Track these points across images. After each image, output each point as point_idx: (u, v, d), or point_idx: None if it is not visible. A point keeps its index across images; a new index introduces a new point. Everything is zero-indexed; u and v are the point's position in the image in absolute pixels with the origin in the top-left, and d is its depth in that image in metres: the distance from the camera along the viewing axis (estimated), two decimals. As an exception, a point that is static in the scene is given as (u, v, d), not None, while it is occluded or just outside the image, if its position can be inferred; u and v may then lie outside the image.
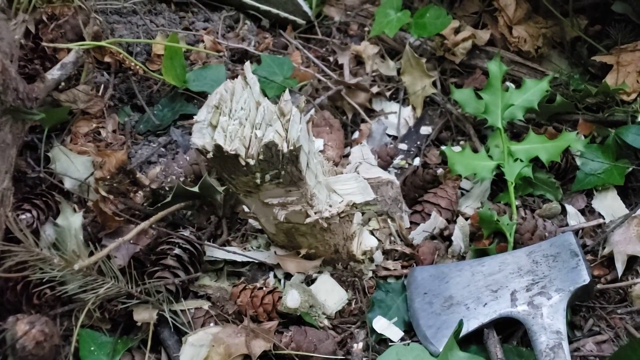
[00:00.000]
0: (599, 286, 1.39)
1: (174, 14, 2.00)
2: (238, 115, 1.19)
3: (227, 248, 1.43)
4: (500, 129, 1.59)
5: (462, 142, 1.71)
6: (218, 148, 1.14)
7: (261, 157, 1.15)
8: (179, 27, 1.95)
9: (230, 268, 1.44)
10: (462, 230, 1.48)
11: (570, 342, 1.31)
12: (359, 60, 1.98)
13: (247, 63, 1.27)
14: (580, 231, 1.52)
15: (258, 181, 1.20)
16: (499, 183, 1.60)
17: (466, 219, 1.52)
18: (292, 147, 1.15)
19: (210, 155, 1.16)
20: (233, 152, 1.14)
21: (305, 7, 2.10)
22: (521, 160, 1.54)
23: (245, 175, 1.20)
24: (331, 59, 2.00)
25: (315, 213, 1.29)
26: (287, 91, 1.22)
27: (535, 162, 1.57)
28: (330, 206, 1.32)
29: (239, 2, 2.09)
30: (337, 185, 1.37)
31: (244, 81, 1.25)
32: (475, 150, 1.62)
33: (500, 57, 1.87)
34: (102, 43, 1.62)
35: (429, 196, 1.53)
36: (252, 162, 1.15)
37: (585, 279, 1.24)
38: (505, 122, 1.62)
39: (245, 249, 1.47)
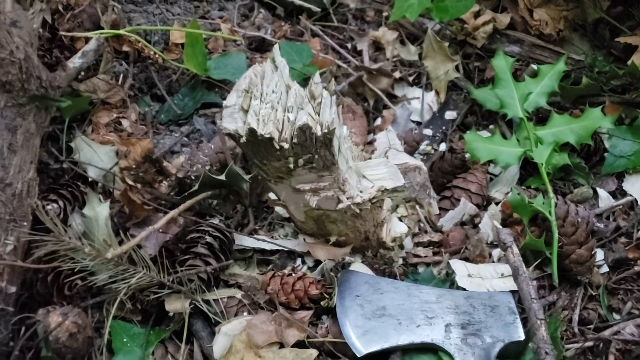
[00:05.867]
0: (636, 268, 1.37)
1: (189, 2, 1.97)
2: (270, 99, 1.16)
3: (257, 236, 1.40)
4: (523, 118, 1.56)
5: (491, 127, 1.68)
6: (252, 132, 1.11)
7: (295, 140, 1.13)
8: (194, 16, 1.92)
9: (259, 256, 1.41)
10: (493, 218, 1.45)
11: (609, 326, 1.29)
12: (377, 46, 1.96)
13: (276, 46, 1.24)
14: (612, 214, 1.49)
15: (291, 166, 1.18)
16: (527, 167, 1.57)
17: (496, 203, 1.49)
18: (326, 130, 1.13)
19: (243, 139, 1.14)
20: (268, 136, 1.11)
21: (320, -6, 2.07)
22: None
23: (278, 160, 1.18)
24: (349, 45, 1.97)
25: (347, 199, 1.26)
26: (317, 74, 1.19)
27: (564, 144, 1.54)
28: (361, 192, 1.29)
29: (254, -10, 2.07)
30: (367, 170, 1.34)
31: (273, 64, 1.23)
32: (504, 136, 1.60)
33: (521, 40, 1.85)
34: (121, 31, 1.59)
35: (458, 181, 1.51)
36: (286, 146, 1.13)
37: (521, 335, 1.22)
38: (531, 111, 1.59)
39: (272, 237, 1.45)
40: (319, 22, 2.06)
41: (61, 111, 1.45)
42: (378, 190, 1.29)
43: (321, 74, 1.82)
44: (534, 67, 1.72)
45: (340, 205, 1.26)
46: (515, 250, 1.27)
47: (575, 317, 1.31)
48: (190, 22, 1.64)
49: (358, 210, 1.28)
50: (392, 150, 1.51)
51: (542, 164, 1.47)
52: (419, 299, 1.30)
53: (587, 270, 1.35)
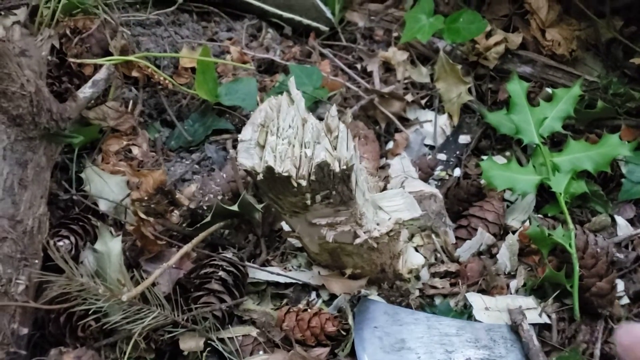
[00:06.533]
0: (657, 300, 1.35)
1: (197, 24, 1.95)
2: (287, 134, 1.14)
3: (271, 269, 1.38)
4: (539, 145, 1.53)
5: (507, 154, 1.66)
6: (269, 170, 1.09)
7: (313, 177, 1.10)
8: (202, 37, 1.90)
9: (273, 290, 1.38)
10: (510, 248, 1.42)
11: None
12: (387, 67, 1.93)
13: (292, 79, 1.22)
14: (631, 242, 1.47)
15: (308, 202, 1.15)
16: (543, 194, 1.55)
17: (513, 232, 1.47)
18: (344, 167, 1.10)
19: (260, 176, 1.11)
20: (285, 174, 1.08)
21: (329, 14, 2.05)
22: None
23: (294, 196, 1.15)
24: (359, 66, 1.95)
25: (365, 233, 1.24)
26: (334, 107, 1.17)
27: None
28: (378, 224, 1.27)
29: (262, 10, 2.04)
30: (383, 202, 1.31)
31: (289, 97, 1.20)
32: (520, 162, 1.57)
33: (533, 61, 1.83)
34: (131, 57, 1.56)
35: (475, 210, 1.48)
36: (303, 183, 1.10)
37: None
38: (546, 136, 1.56)
39: (285, 268, 1.42)
40: (327, 42, 2.04)
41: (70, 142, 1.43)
42: (395, 223, 1.27)
43: (331, 97, 1.80)
44: (549, 90, 1.69)
45: (358, 240, 1.24)
46: (526, 326, 1.27)
47: (597, 352, 1.29)
48: (201, 49, 1.61)
49: (375, 244, 1.26)
50: (409, 178, 1.49)
51: (560, 194, 1.44)
52: (438, 331, 1.29)
53: (608, 303, 1.33)
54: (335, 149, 1.12)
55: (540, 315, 1.33)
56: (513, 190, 1.47)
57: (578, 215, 1.51)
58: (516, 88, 1.60)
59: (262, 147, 1.13)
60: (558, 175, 1.48)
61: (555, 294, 1.35)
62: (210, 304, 1.24)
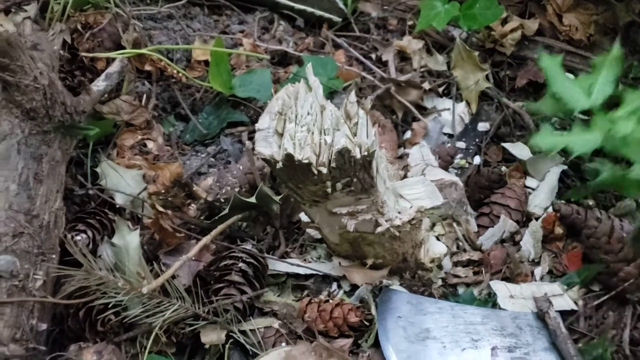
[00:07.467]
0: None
1: (208, 17, 1.93)
2: (305, 121, 1.11)
3: (291, 261, 1.36)
4: (592, 109, 1.33)
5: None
6: (289, 157, 1.07)
7: (333, 164, 1.08)
8: (214, 30, 1.88)
9: (293, 281, 1.36)
10: (534, 235, 1.40)
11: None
12: (402, 56, 1.90)
13: (309, 65, 1.19)
14: (657, 227, 1.44)
15: (329, 190, 1.13)
16: (565, 180, 1.52)
17: (536, 219, 1.44)
18: (365, 153, 1.08)
19: (279, 165, 1.09)
20: (305, 161, 1.06)
21: (341, 4, 2.02)
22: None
23: (314, 185, 1.13)
24: (373, 56, 1.92)
25: (386, 221, 1.21)
26: (352, 93, 1.14)
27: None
28: (400, 213, 1.24)
29: (273, 2, 2.02)
30: (404, 190, 1.29)
31: (306, 84, 1.18)
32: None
33: (550, 47, 1.80)
34: (144, 51, 1.55)
35: (497, 197, 1.46)
36: (324, 170, 1.08)
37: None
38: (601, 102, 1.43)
39: (305, 260, 1.40)
40: (340, 32, 2.01)
41: (85, 135, 1.41)
42: (417, 211, 1.25)
43: (346, 87, 1.77)
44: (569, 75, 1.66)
45: (379, 229, 1.21)
46: (553, 314, 1.25)
47: (626, 337, 1.26)
48: (215, 41, 1.59)
49: (397, 233, 1.23)
50: (429, 167, 1.46)
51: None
52: (463, 320, 1.26)
53: (636, 288, 1.30)
54: (355, 135, 1.09)
55: (566, 302, 1.31)
56: (571, 151, 1.25)
57: (602, 200, 1.49)
58: (549, 63, 1.48)
59: (281, 135, 1.11)
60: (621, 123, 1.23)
61: (582, 279, 1.33)
62: (231, 296, 1.22)
